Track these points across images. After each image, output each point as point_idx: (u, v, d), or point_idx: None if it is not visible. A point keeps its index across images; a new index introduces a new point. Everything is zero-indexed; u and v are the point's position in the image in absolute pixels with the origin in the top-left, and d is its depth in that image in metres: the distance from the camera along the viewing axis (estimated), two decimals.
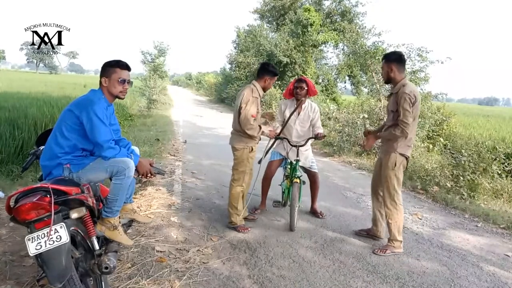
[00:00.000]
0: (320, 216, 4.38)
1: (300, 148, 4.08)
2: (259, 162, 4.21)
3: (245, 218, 4.10)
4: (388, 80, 3.44)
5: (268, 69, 3.75)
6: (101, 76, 2.53)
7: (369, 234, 3.86)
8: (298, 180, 3.93)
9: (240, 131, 3.73)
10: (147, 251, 3.24)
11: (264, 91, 3.85)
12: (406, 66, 9.60)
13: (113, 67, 2.52)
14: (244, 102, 3.62)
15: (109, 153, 2.38)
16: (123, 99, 2.67)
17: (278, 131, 4.17)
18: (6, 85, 19.16)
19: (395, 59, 3.35)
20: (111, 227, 2.49)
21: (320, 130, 4.19)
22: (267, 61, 18.54)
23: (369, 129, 3.37)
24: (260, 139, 3.92)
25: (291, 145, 4.11)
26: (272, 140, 4.23)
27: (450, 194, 5.71)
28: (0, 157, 5.09)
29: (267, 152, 4.25)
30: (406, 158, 3.41)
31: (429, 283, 3.03)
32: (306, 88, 4.11)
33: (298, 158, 4.03)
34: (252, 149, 3.79)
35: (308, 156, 4.27)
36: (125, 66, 2.57)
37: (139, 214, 3.12)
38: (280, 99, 16.27)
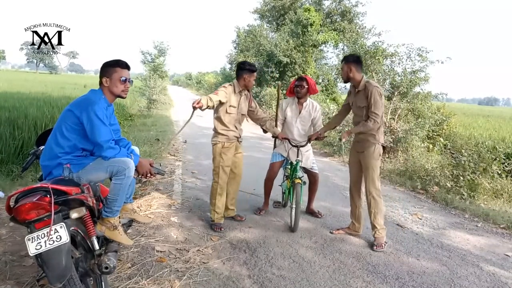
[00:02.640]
0: (319, 216, 4.39)
1: (300, 148, 4.07)
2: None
3: (233, 218, 4.12)
4: (347, 79, 3.68)
5: (244, 68, 3.80)
6: (101, 77, 2.52)
7: (348, 233, 3.95)
8: (299, 181, 3.91)
9: (215, 129, 3.84)
10: (147, 251, 3.24)
11: (248, 89, 3.90)
12: (406, 66, 9.68)
13: (113, 67, 2.52)
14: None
15: (109, 153, 2.38)
16: (125, 98, 2.68)
17: (278, 130, 4.16)
18: (6, 85, 19.17)
19: (353, 60, 3.62)
20: (111, 227, 2.49)
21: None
22: (266, 61, 18.56)
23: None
24: (240, 137, 3.91)
25: (291, 145, 4.10)
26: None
27: (450, 194, 5.72)
28: (0, 157, 5.10)
29: (187, 123, 3.62)
30: (383, 147, 3.69)
31: (429, 283, 3.03)
32: (306, 86, 4.12)
33: (299, 158, 4.02)
34: (223, 145, 3.80)
35: (309, 157, 4.27)
36: (125, 65, 2.57)
37: (139, 214, 3.12)
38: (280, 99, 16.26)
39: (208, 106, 3.50)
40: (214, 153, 3.86)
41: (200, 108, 3.41)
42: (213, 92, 3.74)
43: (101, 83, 2.52)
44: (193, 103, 3.38)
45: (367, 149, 3.60)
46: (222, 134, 3.79)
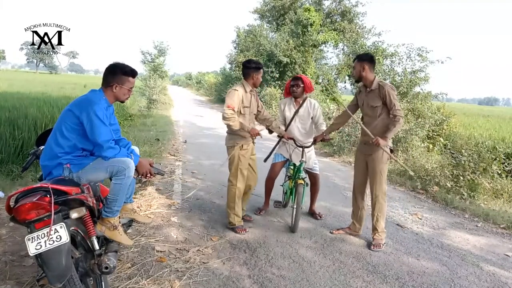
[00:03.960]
0: (318, 218, 4.37)
1: (304, 149, 4.06)
2: (265, 160, 4.23)
3: (242, 218, 4.10)
4: (359, 78, 3.62)
5: (251, 67, 3.77)
6: (111, 81, 2.50)
7: (348, 233, 3.95)
8: (302, 182, 3.89)
9: (230, 130, 3.77)
10: (147, 251, 3.24)
11: (256, 87, 3.88)
12: (406, 66, 9.69)
13: (127, 76, 2.54)
14: (226, 97, 3.72)
15: (109, 153, 2.38)
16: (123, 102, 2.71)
17: (283, 129, 4.13)
18: (6, 85, 19.16)
19: (367, 59, 3.57)
20: (111, 227, 2.49)
21: (324, 127, 4.17)
22: (266, 61, 18.56)
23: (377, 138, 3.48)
24: (254, 138, 3.84)
25: (297, 145, 4.09)
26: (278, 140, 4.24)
27: (450, 194, 5.71)
28: (0, 157, 5.09)
29: (271, 152, 4.25)
30: (391, 150, 3.66)
31: (429, 283, 3.03)
32: (302, 85, 4.12)
33: (303, 159, 4.00)
34: (242, 147, 3.76)
35: (311, 157, 4.26)
36: (136, 74, 2.62)
37: (139, 214, 3.12)
38: (280, 99, 16.29)
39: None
40: (232, 155, 3.78)
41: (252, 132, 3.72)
42: (227, 105, 3.60)
43: (107, 86, 2.51)
44: (253, 135, 3.72)
45: (375, 153, 3.55)
46: (240, 136, 3.73)
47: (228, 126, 3.69)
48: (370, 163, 3.62)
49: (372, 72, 3.58)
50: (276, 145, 4.32)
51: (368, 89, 3.59)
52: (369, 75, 3.55)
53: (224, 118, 3.60)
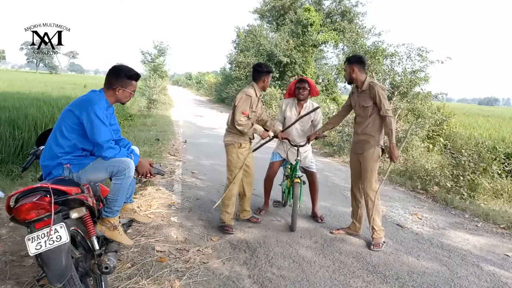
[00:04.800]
0: (320, 221, 4.31)
1: (300, 148, 4.07)
2: (253, 150, 4.08)
3: (248, 220, 4.10)
4: (350, 80, 3.67)
5: (263, 70, 3.80)
6: (114, 83, 2.50)
7: (348, 233, 3.95)
8: (298, 180, 3.92)
9: (230, 128, 3.82)
10: (147, 251, 3.24)
11: (264, 90, 3.92)
12: (406, 66, 9.69)
13: (131, 79, 2.55)
14: (237, 101, 3.74)
15: (109, 153, 2.38)
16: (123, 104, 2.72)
17: (279, 128, 4.14)
18: (6, 85, 19.16)
19: (355, 61, 3.61)
20: (111, 227, 2.49)
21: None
22: (266, 61, 18.58)
23: (382, 146, 3.66)
24: (253, 138, 3.93)
25: (291, 144, 4.10)
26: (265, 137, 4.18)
27: (450, 194, 5.72)
28: (0, 157, 5.09)
29: (261, 146, 4.16)
30: (382, 149, 3.65)
31: (429, 283, 3.03)
32: (308, 88, 4.11)
33: (298, 158, 4.02)
34: (240, 145, 3.78)
35: (307, 156, 4.26)
36: (139, 78, 2.63)
37: (139, 214, 3.12)
38: (280, 99, 16.28)
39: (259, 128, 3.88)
40: (230, 153, 3.81)
41: (263, 136, 3.92)
42: (242, 111, 3.65)
43: (109, 88, 2.51)
44: (264, 137, 3.94)
45: (366, 151, 3.59)
46: (239, 134, 3.76)
47: (242, 131, 3.71)
48: (362, 161, 3.65)
49: (363, 73, 3.60)
50: (265, 142, 4.26)
51: (359, 89, 3.63)
52: (360, 76, 3.58)
53: (239, 125, 3.65)
